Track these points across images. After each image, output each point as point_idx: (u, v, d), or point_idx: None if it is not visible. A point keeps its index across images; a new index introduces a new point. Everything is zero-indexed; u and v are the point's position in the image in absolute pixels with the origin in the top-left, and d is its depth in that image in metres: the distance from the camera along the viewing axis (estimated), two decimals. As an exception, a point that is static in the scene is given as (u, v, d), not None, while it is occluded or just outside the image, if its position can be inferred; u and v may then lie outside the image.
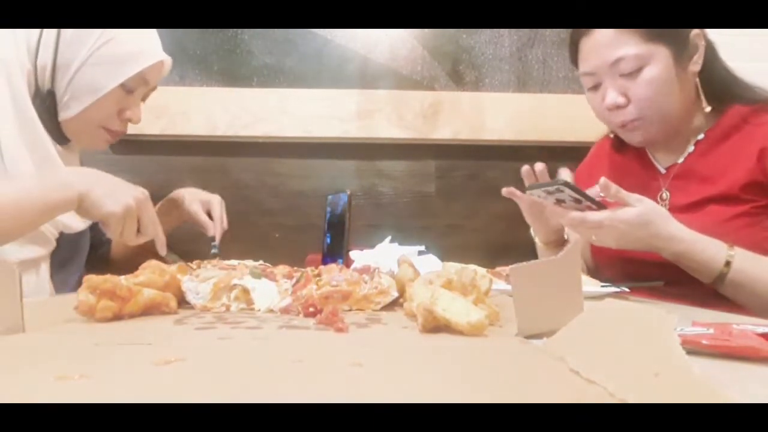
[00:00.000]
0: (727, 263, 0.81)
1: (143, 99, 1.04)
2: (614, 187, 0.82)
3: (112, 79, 0.94)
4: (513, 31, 1.52)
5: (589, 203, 0.84)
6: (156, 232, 0.92)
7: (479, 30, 1.51)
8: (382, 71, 1.50)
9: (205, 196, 1.18)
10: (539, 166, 0.99)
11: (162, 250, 0.95)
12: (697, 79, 0.95)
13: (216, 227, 1.14)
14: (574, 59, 1.00)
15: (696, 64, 0.93)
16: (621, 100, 0.92)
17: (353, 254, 1.02)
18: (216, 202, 1.17)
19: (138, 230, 0.89)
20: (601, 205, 0.85)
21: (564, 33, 1.51)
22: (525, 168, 0.99)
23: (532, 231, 1.12)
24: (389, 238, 1.06)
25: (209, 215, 1.16)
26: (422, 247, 1.01)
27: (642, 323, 0.32)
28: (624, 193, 0.82)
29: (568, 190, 0.82)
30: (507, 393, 0.31)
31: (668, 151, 1.01)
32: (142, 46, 0.98)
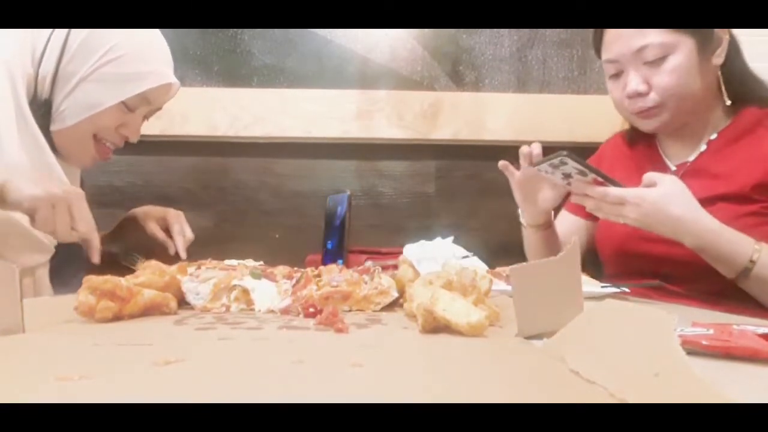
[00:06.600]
0: (754, 258, 0.79)
1: (146, 117, 1.03)
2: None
3: (112, 97, 0.93)
4: (513, 31, 1.52)
5: (594, 175, 0.82)
6: (90, 235, 0.84)
7: (479, 30, 1.51)
8: (382, 71, 1.49)
9: (159, 213, 1.12)
10: (536, 148, 0.97)
11: (94, 256, 0.85)
12: (719, 73, 0.95)
13: (177, 242, 1.08)
14: (597, 47, 1.00)
15: (719, 58, 0.93)
16: (643, 87, 0.92)
17: (407, 247, 0.93)
18: (171, 216, 1.11)
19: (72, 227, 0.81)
20: (608, 179, 0.83)
21: (564, 33, 1.51)
22: (524, 148, 0.98)
23: (519, 212, 1.10)
24: (452, 238, 0.96)
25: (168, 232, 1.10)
26: (469, 254, 0.95)
27: (642, 323, 0.32)
28: (652, 173, 0.82)
29: (571, 162, 0.80)
30: (507, 393, 0.31)
31: (680, 147, 1.01)
32: (149, 68, 0.96)
